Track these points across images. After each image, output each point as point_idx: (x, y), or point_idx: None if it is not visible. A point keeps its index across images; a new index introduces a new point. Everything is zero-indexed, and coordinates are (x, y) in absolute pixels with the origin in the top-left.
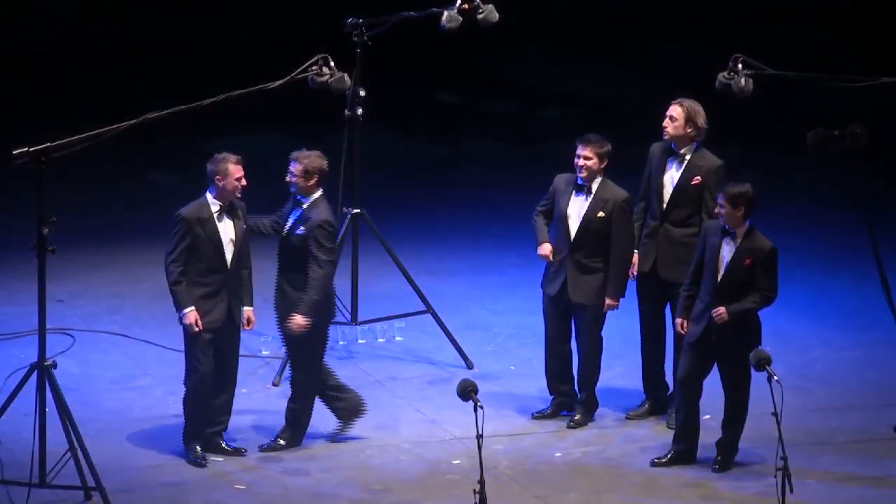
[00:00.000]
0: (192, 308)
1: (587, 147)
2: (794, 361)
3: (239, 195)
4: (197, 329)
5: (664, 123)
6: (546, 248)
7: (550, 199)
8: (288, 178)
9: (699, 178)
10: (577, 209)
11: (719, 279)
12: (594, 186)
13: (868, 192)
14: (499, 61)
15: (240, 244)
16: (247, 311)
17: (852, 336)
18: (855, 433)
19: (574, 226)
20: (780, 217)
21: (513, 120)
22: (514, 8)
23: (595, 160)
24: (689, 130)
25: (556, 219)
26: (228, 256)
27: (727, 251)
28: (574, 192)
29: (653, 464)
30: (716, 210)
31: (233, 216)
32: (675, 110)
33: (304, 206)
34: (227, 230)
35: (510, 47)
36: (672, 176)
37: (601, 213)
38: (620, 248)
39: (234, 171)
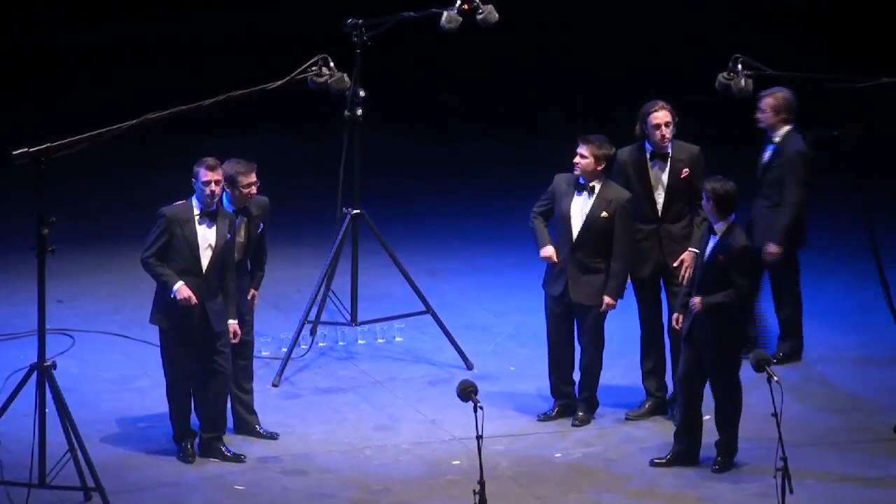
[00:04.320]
0: (181, 282)
1: (584, 146)
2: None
3: (211, 201)
4: (195, 301)
5: (664, 133)
6: (549, 250)
7: (549, 199)
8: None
9: (687, 169)
10: (579, 209)
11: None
12: (597, 187)
13: (867, 192)
14: (499, 62)
15: (220, 251)
16: (231, 324)
17: (852, 336)
18: (855, 433)
19: (577, 226)
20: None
21: (513, 121)
22: (515, 9)
23: (591, 160)
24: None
25: (557, 219)
26: (204, 262)
27: (709, 247)
28: (576, 191)
29: (653, 464)
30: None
31: (217, 223)
32: (667, 116)
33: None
34: (206, 235)
35: (511, 48)
36: (660, 176)
37: (605, 213)
38: (623, 249)
39: (203, 175)
